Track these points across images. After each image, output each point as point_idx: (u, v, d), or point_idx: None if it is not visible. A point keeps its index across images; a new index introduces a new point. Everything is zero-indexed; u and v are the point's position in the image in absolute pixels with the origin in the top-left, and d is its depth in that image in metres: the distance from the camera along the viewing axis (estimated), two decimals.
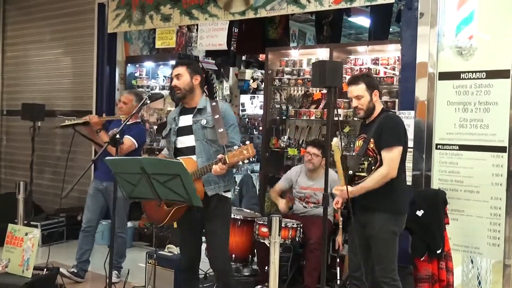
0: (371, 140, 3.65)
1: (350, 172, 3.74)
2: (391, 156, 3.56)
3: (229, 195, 3.78)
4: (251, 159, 3.45)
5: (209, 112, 3.65)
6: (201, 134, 3.64)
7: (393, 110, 4.08)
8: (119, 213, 5.15)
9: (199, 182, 3.52)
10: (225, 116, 3.65)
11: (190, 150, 3.65)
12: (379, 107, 3.77)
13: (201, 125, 3.64)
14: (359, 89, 3.69)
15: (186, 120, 3.71)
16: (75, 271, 5.18)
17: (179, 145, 3.72)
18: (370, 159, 3.66)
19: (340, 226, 4.24)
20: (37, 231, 4.15)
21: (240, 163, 3.44)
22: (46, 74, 8.00)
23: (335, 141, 3.60)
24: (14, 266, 4.07)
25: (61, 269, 4.80)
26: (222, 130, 3.52)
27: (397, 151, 3.58)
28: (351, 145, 5.31)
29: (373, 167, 3.64)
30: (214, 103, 3.71)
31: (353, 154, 3.89)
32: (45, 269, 4.24)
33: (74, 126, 4.93)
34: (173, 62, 6.82)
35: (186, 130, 3.70)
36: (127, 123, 4.98)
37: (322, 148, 5.04)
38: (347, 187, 3.50)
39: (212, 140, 3.62)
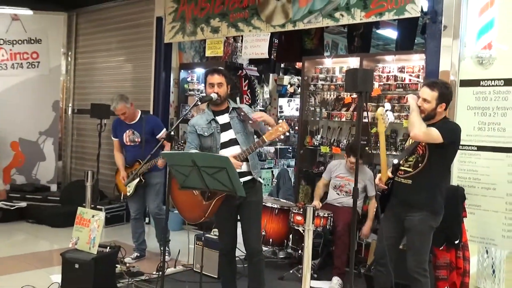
0: None
1: (395, 161, 3.62)
2: (433, 132, 3.32)
3: (262, 181, 3.84)
4: (287, 134, 3.46)
5: (239, 110, 3.76)
6: (239, 126, 3.71)
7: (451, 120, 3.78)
8: (158, 199, 5.24)
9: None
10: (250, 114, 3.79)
11: (232, 142, 3.69)
12: (440, 117, 3.51)
13: (238, 119, 3.72)
14: (431, 94, 3.42)
15: (223, 119, 3.75)
16: (138, 255, 5.29)
17: (222, 140, 3.73)
18: (419, 157, 3.48)
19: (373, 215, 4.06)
20: (102, 214, 4.21)
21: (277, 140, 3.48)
22: (111, 78, 8.15)
23: (380, 110, 3.34)
24: (82, 244, 4.15)
25: (126, 259, 4.93)
26: (251, 122, 3.65)
27: (438, 136, 3.32)
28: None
29: (420, 164, 3.47)
30: (237, 105, 3.85)
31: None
32: (108, 247, 4.30)
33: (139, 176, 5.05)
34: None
35: (225, 127, 3.73)
36: (137, 120, 5.15)
37: (361, 157, 4.93)
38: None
39: (249, 131, 3.76)
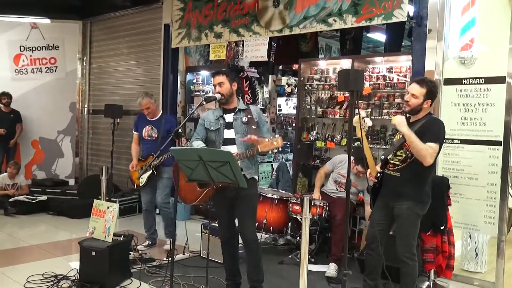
0: None
1: (382, 157, 3.63)
2: (434, 148, 3.34)
3: (257, 178, 3.76)
4: (279, 149, 3.43)
5: (246, 112, 3.68)
6: (241, 128, 3.63)
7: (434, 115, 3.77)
8: (165, 192, 5.15)
9: None
10: (259, 118, 3.70)
11: (231, 142, 3.64)
12: (425, 112, 3.50)
13: (242, 121, 3.64)
14: (419, 91, 3.41)
15: (228, 118, 3.70)
16: (150, 243, 5.28)
17: (224, 136, 3.70)
18: (407, 152, 3.47)
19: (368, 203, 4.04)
20: (116, 205, 4.20)
21: (270, 152, 3.43)
22: (123, 81, 8.14)
23: (356, 118, 3.35)
24: (98, 233, 4.15)
25: (138, 247, 4.92)
26: (255, 127, 3.58)
27: (437, 147, 3.36)
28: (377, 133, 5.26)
29: (408, 160, 3.46)
30: (246, 107, 3.74)
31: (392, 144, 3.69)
32: (122, 236, 4.30)
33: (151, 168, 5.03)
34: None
35: (228, 126, 3.68)
36: (157, 118, 5.14)
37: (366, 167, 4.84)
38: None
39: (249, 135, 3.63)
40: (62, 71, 8.54)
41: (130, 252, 4.48)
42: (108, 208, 4.18)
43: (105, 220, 4.14)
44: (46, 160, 8.46)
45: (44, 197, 7.12)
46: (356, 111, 3.34)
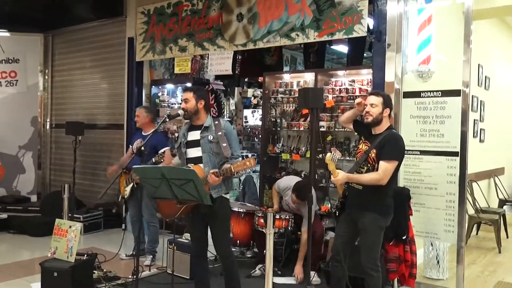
0: (373, 150, 3.52)
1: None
2: (387, 167, 3.44)
3: (228, 196, 3.71)
4: (253, 169, 3.43)
5: (213, 130, 3.61)
6: (208, 147, 3.59)
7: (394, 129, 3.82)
8: (149, 208, 5.18)
9: (206, 185, 3.44)
10: (227, 133, 3.63)
11: (198, 160, 3.60)
12: (386, 124, 3.61)
13: (208, 140, 3.59)
14: (377, 99, 3.57)
15: (194, 135, 3.66)
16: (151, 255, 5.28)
17: (188, 156, 3.67)
18: (369, 165, 3.55)
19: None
20: (79, 224, 4.13)
21: (243, 172, 3.40)
22: (86, 95, 8.01)
23: (328, 155, 3.48)
24: (61, 253, 4.06)
25: (121, 256, 4.97)
26: (225, 144, 3.53)
27: (394, 164, 3.46)
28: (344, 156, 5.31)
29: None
30: (216, 122, 3.66)
31: (355, 159, 3.77)
32: (85, 255, 4.22)
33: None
34: (189, 84, 6.83)
35: (194, 143, 3.64)
36: (150, 133, 5.02)
37: (304, 199, 4.56)
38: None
39: (217, 153, 3.58)
40: (23, 85, 8.33)
41: (94, 271, 4.39)
42: (70, 227, 4.10)
43: (67, 240, 4.06)
44: (6, 176, 8.20)
45: (4, 215, 6.89)
46: (329, 154, 3.45)
